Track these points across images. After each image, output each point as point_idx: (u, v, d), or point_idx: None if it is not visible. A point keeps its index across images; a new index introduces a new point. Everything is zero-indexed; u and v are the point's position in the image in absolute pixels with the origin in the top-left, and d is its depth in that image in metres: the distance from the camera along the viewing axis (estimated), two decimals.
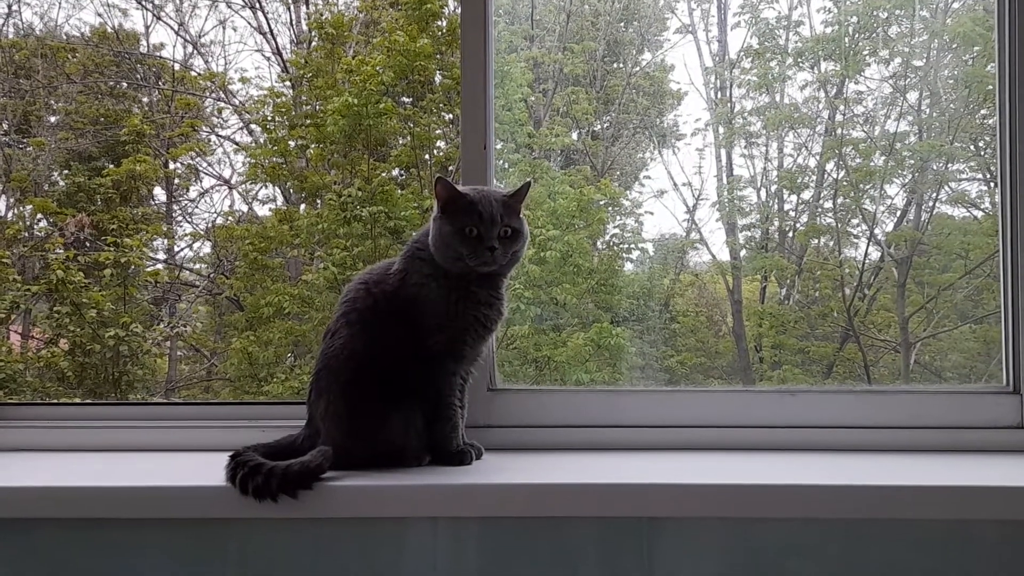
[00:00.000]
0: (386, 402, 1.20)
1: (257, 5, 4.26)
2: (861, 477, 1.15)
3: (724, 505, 1.10)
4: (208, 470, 1.17)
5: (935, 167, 3.52)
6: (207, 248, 4.36)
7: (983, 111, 3.34)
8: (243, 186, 4.30)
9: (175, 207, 4.44)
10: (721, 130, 3.90)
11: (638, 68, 4.24)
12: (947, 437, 1.39)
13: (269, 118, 4.13)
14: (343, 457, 1.17)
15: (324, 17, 4.18)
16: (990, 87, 3.14)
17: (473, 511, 1.13)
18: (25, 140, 4.07)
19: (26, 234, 3.96)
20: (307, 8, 4.39)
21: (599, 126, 4.29)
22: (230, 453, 1.15)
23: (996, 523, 1.11)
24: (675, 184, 3.92)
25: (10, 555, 1.17)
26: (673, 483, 1.12)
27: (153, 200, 4.38)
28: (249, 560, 1.16)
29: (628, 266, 3.96)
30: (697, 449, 1.40)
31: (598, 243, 3.92)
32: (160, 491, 1.14)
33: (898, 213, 3.64)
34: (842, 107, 3.69)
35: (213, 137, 4.42)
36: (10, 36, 4.02)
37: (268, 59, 4.36)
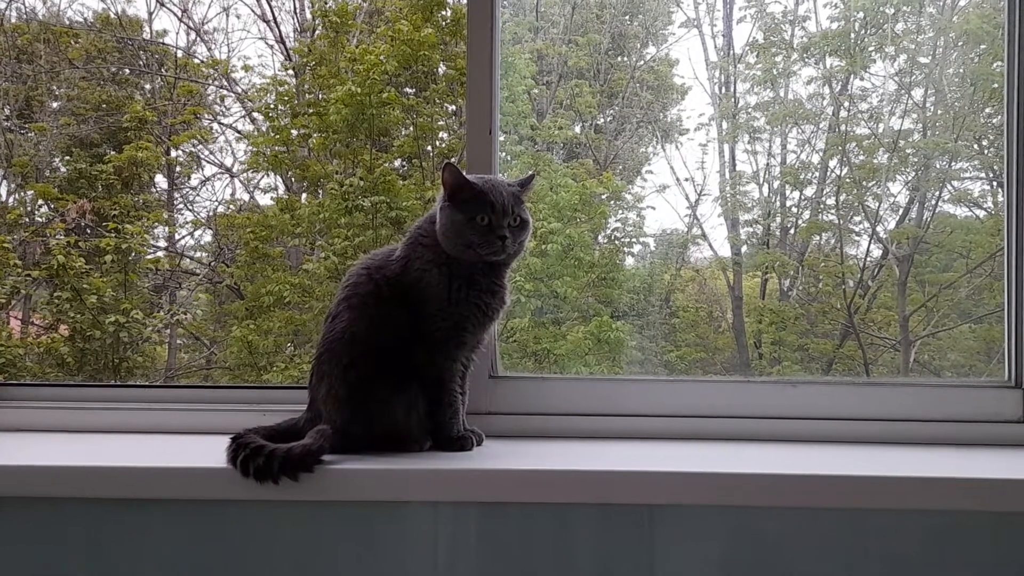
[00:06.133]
0: (387, 386, 1.20)
1: None
2: (861, 468, 1.15)
3: (724, 493, 1.10)
4: (209, 452, 1.17)
5: (939, 165, 3.52)
6: (208, 236, 4.35)
7: (988, 109, 3.33)
8: (245, 174, 4.29)
9: (176, 194, 4.43)
10: (724, 125, 3.89)
11: (642, 62, 4.23)
12: (948, 430, 1.39)
13: (271, 106, 4.11)
14: (344, 441, 1.17)
15: (328, 5, 4.16)
16: (996, 85, 3.13)
17: (474, 496, 1.13)
18: (27, 125, 4.06)
19: (27, 219, 3.95)
20: None
21: (602, 119, 4.28)
22: (231, 435, 1.15)
23: (995, 515, 1.11)
24: (677, 179, 3.91)
25: (9, 533, 1.17)
26: (674, 471, 1.12)
27: (154, 187, 4.37)
28: (249, 542, 1.16)
29: (629, 260, 3.96)
30: (698, 439, 1.40)
31: (599, 237, 3.92)
32: (161, 472, 1.14)
33: (900, 211, 3.64)
34: (847, 103, 3.68)
35: (215, 125, 4.40)
36: (13, 21, 4.01)
37: (271, 47, 4.34)
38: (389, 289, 1.23)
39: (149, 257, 4.08)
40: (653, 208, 3.97)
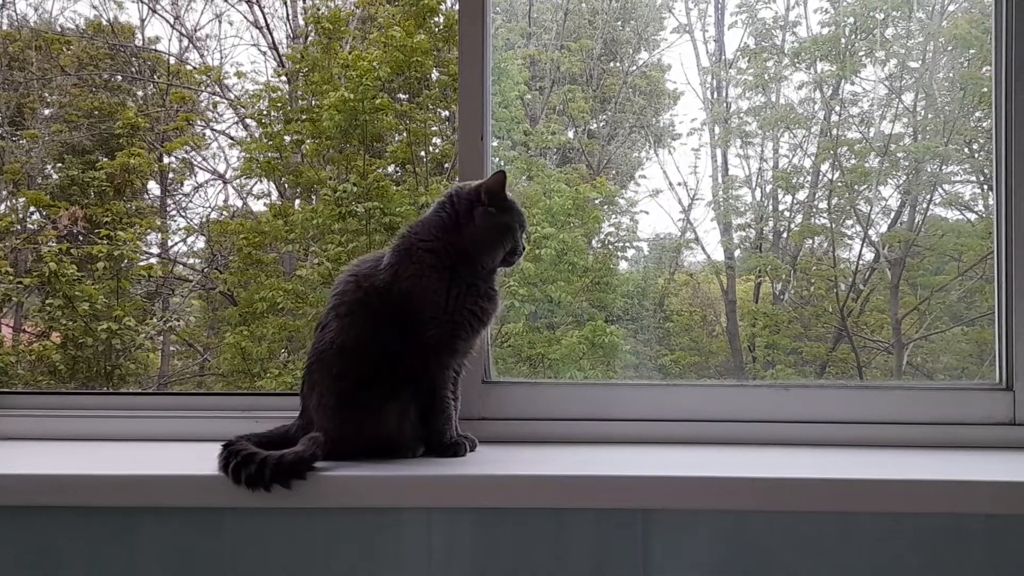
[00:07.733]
0: (379, 394, 1.20)
1: None
2: (855, 471, 1.15)
3: (718, 498, 1.10)
4: (201, 459, 1.16)
5: (929, 169, 3.54)
6: (201, 243, 4.34)
7: (978, 113, 3.36)
8: (238, 181, 4.29)
9: (169, 201, 4.43)
10: (717, 130, 3.91)
11: (635, 67, 4.24)
12: (940, 433, 1.39)
13: (264, 113, 4.12)
14: (336, 448, 1.16)
15: (321, 12, 4.17)
16: (985, 89, 3.16)
17: (467, 502, 1.12)
18: (19, 132, 4.05)
19: (19, 227, 3.93)
20: (304, 3, 4.38)
21: (595, 125, 4.30)
22: (223, 442, 1.14)
23: (987, 517, 1.11)
24: (670, 183, 3.93)
25: (2, 542, 1.16)
26: (668, 475, 1.12)
27: (147, 194, 4.36)
28: (242, 550, 1.16)
29: (623, 265, 3.97)
30: (692, 443, 1.40)
31: (593, 241, 3.93)
32: (153, 479, 1.13)
33: (892, 214, 3.66)
34: (838, 108, 3.70)
35: (208, 131, 4.40)
36: (4, 28, 4.00)
37: (264, 54, 4.35)
38: (378, 298, 1.23)
39: (142, 264, 4.06)
40: (646, 213, 3.99)
